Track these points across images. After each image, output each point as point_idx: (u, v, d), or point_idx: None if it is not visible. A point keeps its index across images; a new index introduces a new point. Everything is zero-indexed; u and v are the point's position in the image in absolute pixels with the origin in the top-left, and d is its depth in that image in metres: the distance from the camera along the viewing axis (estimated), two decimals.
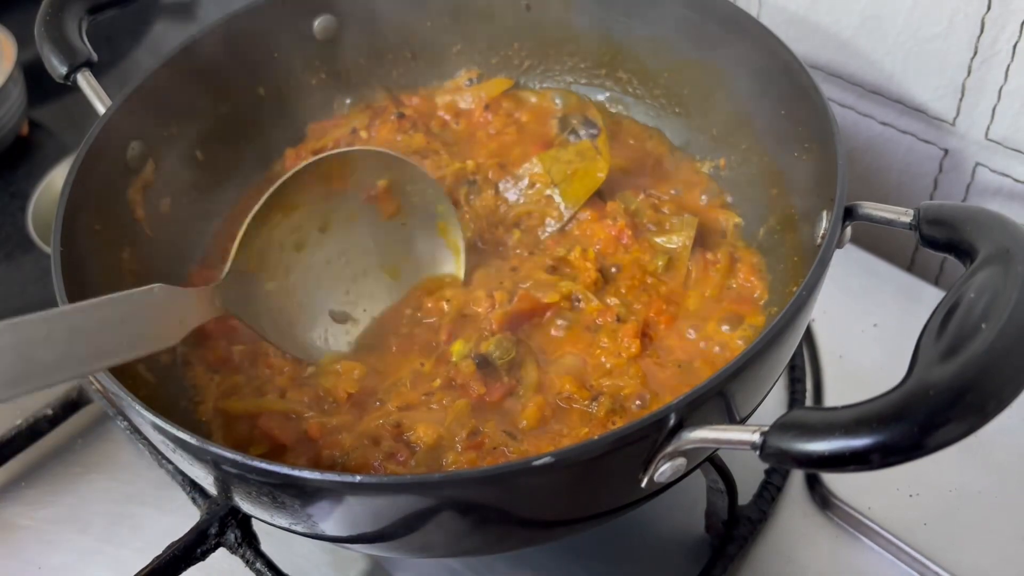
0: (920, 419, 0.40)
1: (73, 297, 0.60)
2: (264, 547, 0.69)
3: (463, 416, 0.65)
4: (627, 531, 0.71)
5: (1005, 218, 0.51)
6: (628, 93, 0.89)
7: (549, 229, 0.80)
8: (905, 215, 0.56)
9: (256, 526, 0.67)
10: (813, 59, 0.92)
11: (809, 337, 0.84)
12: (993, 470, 0.73)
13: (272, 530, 0.59)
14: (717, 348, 0.70)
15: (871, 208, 0.58)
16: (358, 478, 0.47)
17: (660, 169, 0.84)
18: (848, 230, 0.59)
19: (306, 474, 0.48)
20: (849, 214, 0.58)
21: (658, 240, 0.77)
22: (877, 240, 0.91)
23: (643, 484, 0.50)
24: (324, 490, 0.48)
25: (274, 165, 0.88)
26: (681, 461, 0.49)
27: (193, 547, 0.65)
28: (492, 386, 0.68)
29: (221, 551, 0.67)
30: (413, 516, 0.50)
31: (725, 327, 0.71)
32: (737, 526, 0.70)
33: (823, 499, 0.73)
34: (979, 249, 0.50)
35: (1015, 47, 0.78)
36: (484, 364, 0.69)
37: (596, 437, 0.47)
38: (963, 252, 0.52)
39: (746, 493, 0.71)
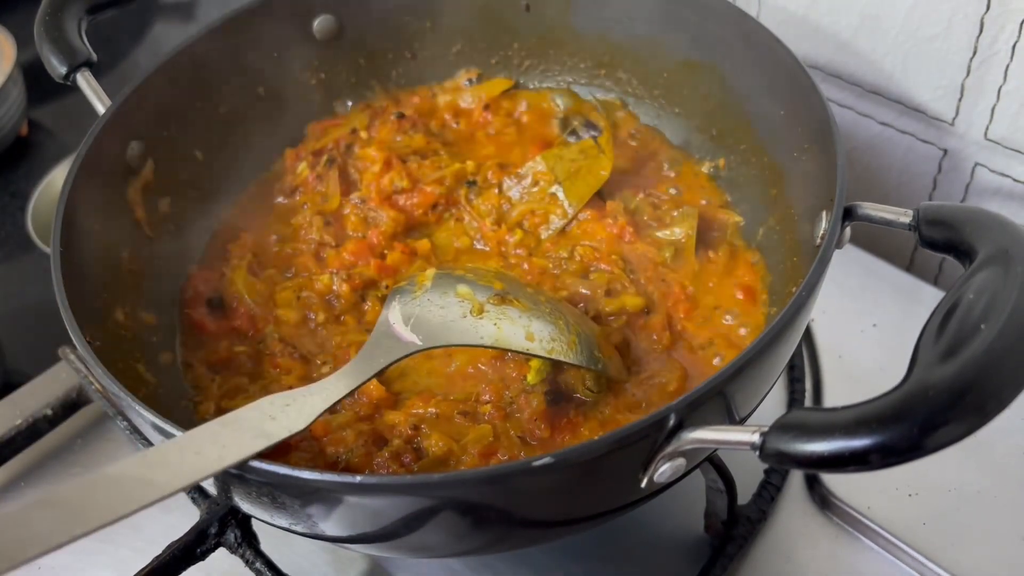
0: (919, 420, 0.40)
1: (73, 298, 0.60)
2: (264, 547, 0.69)
3: (483, 438, 0.64)
4: (627, 531, 0.71)
5: (1004, 219, 0.51)
6: (628, 93, 0.89)
7: (553, 228, 0.80)
8: (904, 215, 0.56)
9: (256, 526, 0.67)
10: (813, 59, 0.93)
11: (808, 337, 0.84)
12: (993, 470, 0.73)
13: (272, 530, 0.59)
14: (743, 330, 0.71)
15: (870, 208, 0.58)
16: (358, 478, 0.47)
17: (659, 169, 0.84)
18: (848, 230, 0.59)
19: (304, 474, 0.48)
20: (848, 214, 0.58)
21: (660, 234, 0.77)
22: (876, 240, 0.91)
23: (643, 484, 0.50)
24: (323, 490, 0.48)
25: (274, 165, 0.88)
26: (680, 461, 0.49)
27: (193, 547, 0.65)
28: (556, 423, 0.65)
29: (221, 551, 0.67)
30: (412, 517, 0.50)
31: (729, 317, 0.72)
32: (736, 526, 0.70)
33: (822, 499, 0.73)
34: (978, 250, 0.50)
35: (1014, 47, 0.78)
36: (558, 400, 0.65)
37: (596, 438, 0.47)
38: (962, 253, 0.52)
39: (745, 493, 0.71)
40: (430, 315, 0.65)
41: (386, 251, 0.79)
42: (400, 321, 0.64)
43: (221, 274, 0.79)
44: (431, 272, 0.69)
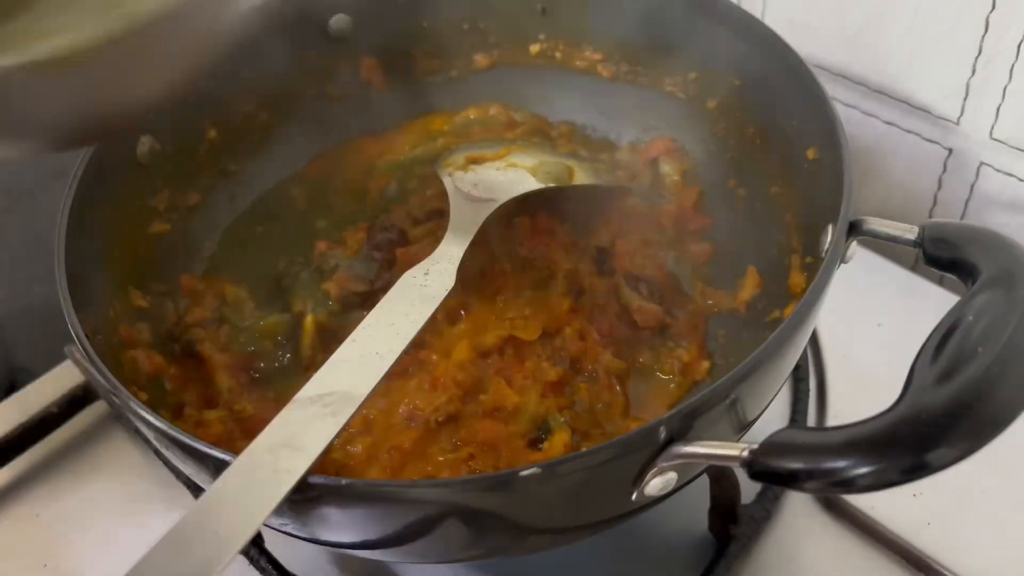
0: (911, 444, 0.39)
1: (76, 293, 0.60)
2: (268, 545, 0.69)
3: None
4: (629, 530, 0.71)
5: (1010, 240, 0.51)
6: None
7: None
8: (909, 232, 0.56)
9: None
10: (818, 59, 0.92)
11: (813, 336, 0.84)
12: (998, 470, 0.73)
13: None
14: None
15: (876, 224, 0.58)
16: (343, 481, 0.47)
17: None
18: (853, 245, 0.59)
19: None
20: (854, 229, 0.58)
21: None
22: (881, 239, 0.91)
23: (634, 497, 0.50)
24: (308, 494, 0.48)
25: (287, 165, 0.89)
26: (671, 476, 0.49)
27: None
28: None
29: None
30: (398, 523, 0.50)
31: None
32: (740, 525, 0.70)
33: (827, 498, 0.73)
34: (982, 270, 0.49)
35: (1020, 46, 0.78)
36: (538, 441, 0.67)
37: (585, 450, 0.47)
38: (965, 272, 0.51)
39: (749, 492, 0.71)
40: (492, 178, 0.78)
41: None
42: (470, 187, 0.77)
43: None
44: (466, 156, 0.81)
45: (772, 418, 0.76)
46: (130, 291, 0.72)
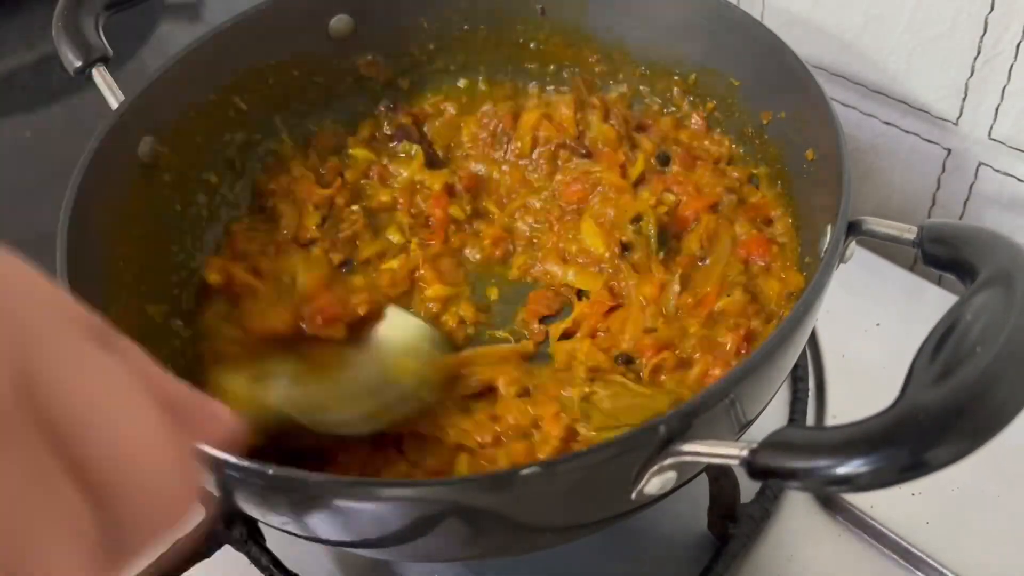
0: (909, 444, 0.39)
1: (78, 296, 0.60)
2: (269, 544, 0.69)
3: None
4: (628, 529, 0.72)
5: (1009, 240, 0.51)
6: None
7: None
8: (909, 232, 0.56)
9: (262, 523, 0.67)
10: (817, 59, 0.93)
11: (812, 336, 0.84)
12: (997, 469, 0.73)
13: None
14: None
15: (875, 224, 0.58)
16: (346, 479, 0.47)
17: None
18: (852, 245, 0.59)
19: (273, 471, 0.48)
20: (853, 229, 0.58)
21: None
22: (880, 239, 0.91)
23: (633, 496, 0.50)
24: (312, 492, 0.48)
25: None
26: (671, 475, 0.49)
27: (199, 544, 0.65)
28: None
29: (227, 548, 0.67)
30: (399, 522, 0.50)
31: None
32: (739, 524, 0.70)
33: (826, 497, 0.73)
34: (980, 270, 0.49)
35: (1018, 47, 0.78)
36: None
37: (585, 449, 0.47)
38: (964, 272, 0.51)
39: (748, 491, 0.71)
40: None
41: None
42: None
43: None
44: None
45: (771, 417, 0.76)
46: (132, 290, 0.72)
